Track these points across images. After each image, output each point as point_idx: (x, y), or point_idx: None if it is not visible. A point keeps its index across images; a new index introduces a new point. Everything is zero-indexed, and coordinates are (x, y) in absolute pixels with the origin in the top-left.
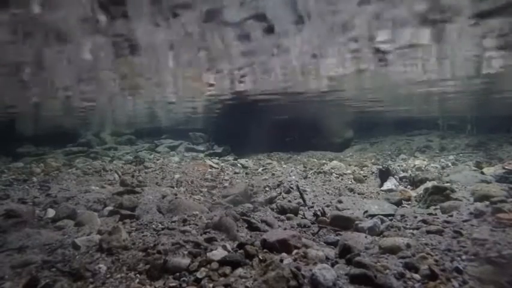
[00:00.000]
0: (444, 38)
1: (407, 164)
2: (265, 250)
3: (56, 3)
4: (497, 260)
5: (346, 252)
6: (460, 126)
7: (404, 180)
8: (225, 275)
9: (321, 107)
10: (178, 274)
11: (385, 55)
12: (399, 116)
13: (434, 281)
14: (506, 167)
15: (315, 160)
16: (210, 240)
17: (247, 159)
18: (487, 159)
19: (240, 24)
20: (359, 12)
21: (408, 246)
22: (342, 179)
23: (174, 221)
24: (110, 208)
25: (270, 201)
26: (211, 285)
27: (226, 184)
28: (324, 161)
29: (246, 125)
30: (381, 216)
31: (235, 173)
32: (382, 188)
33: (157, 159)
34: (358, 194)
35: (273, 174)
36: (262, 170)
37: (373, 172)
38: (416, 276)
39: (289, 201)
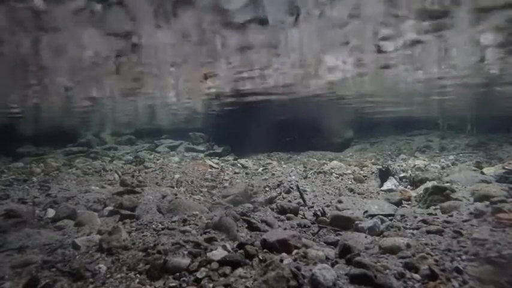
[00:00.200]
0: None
1: (407, 164)
2: (265, 250)
3: None
4: (497, 260)
5: (346, 252)
6: (460, 126)
7: (404, 180)
8: (225, 275)
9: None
10: (178, 274)
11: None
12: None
13: (434, 281)
14: (506, 167)
15: (315, 160)
16: (210, 240)
17: (247, 159)
18: (487, 159)
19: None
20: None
21: (408, 246)
22: (342, 179)
23: (174, 221)
24: (110, 208)
25: (270, 201)
26: (211, 285)
27: (226, 184)
28: (324, 161)
29: (246, 124)
30: (381, 216)
31: (235, 173)
32: (382, 188)
33: (157, 159)
34: (358, 194)
35: (273, 174)
36: (262, 170)
37: (373, 172)
38: (416, 276)
39: (289, 201)
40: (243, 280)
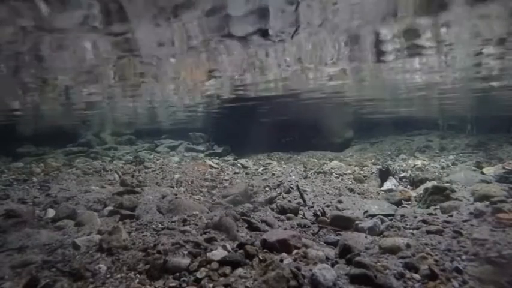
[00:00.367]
0: None
1: (407, 164)
2: (265, 250)
3: None
4: (497, 260)
5: (346, 252)
6: (460, 126)
7: (404, 180)
8: (225, 275)
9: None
10: (178, 274)
11: None
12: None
13: (434, 281)
14: (506, 167)
15: (315, 160)
16: (210, 240)
17: (247, 159)
18: (487, 159)
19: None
20: None
21: (408, 246)
22: (342, 179)
23: (174, 221)
24: (109, 208)
25: (270, 201)
26: (211, 285)
27: (226, 184)
28: (324, 161)
29: (246, 124)
30: (381, 216)
31: (235, 173)
32: (382, 188)
33: (157, 159)
34: (358, 194)
35: (273, 174)
36: (262, 170)
37: (373, 172)
38: (416, 276)
39: (289, 201)
40: (243, 280)
